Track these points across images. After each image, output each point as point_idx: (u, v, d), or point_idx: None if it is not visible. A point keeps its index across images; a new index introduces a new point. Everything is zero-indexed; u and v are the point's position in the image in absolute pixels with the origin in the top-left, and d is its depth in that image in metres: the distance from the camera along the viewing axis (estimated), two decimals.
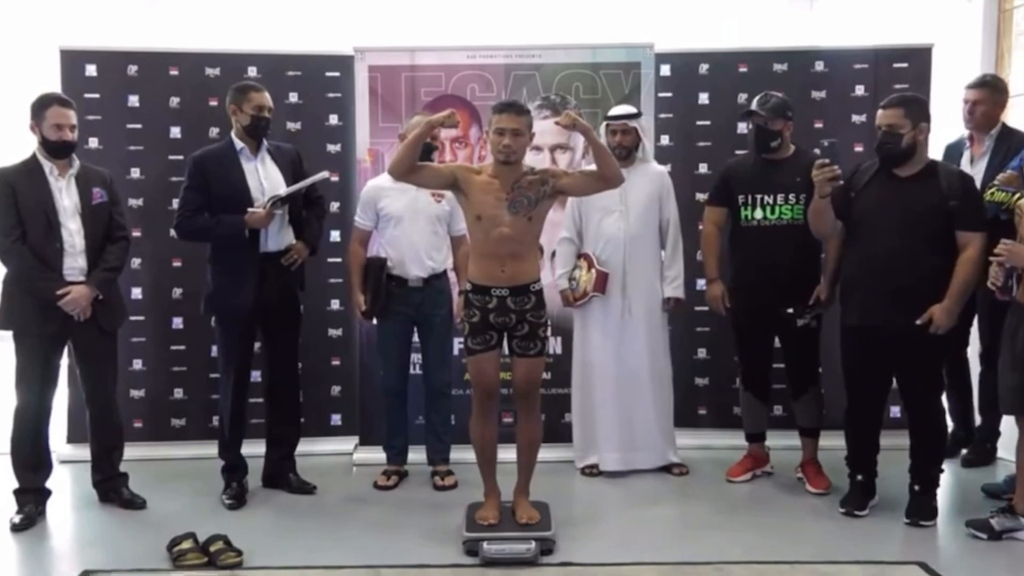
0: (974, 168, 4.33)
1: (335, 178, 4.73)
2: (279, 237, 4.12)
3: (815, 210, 3.87)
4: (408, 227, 4.29)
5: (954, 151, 4.50)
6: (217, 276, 4.11)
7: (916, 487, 3.83)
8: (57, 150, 3.89)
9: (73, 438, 4.77)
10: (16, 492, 3.94)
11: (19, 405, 3.91)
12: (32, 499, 3.93)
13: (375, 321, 4.39)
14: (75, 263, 3.90)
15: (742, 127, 4.85)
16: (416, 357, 4.53)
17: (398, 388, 4.43)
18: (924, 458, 3.83)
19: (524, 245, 3.60)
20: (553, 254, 4.62)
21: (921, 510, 3.80)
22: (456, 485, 4.34)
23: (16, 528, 3.80)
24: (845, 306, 3.89)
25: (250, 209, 4.00)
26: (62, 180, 3.91)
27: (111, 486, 4.11)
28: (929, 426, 3.82)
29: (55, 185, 3.89)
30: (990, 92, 4.38)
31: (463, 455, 4.56)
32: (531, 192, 3.57)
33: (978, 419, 4.66)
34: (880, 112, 3.78)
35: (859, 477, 3.94)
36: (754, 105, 4.17)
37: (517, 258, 3.59)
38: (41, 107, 3.88)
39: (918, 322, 3.65)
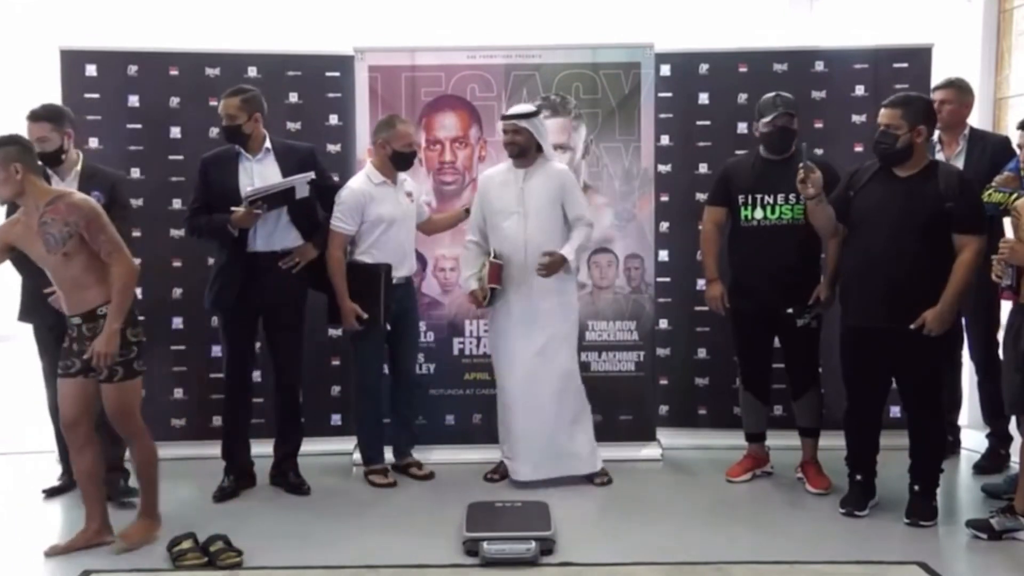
0: None
1: (336, 177, 4.71)
2: (273, 237, 4.14)
3: (808, 212, 3.92)
4: (398, 230, 4.33)
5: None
6: (213, 274, 4.21)
7: (916, 487, 3.83)
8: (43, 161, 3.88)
9: None
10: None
11: (51, 401, 3.98)
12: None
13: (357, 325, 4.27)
14: None
15: (742, 127, 4.86)
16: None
17: (378, 386, 4.44)
18: (924, 458, 3.83)
19: (81, 275, 3.41)
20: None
21: (921, 510, 3.80)
22: (433, 475, 4.44)
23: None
24: (844, 306, 3.90)
25: (233, 208, 4.02)
26: (62, 185, 3.93)
27: (111, 484, 4.10)
28: (929, 426, 3.82)
29: (59, 186, 3.90)
30: (957, 92, 4.45)
31: (464, 455, 4.58)
32: (55, 230, 3.34)
33: (987, 428, 4.63)
34: (882, 110, 3.78)
35: (859, 477, 3.94)
36: (779, 105, 4.10)
37: (78, 288, 3.42)
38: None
39: (912, 326, 3.65)
